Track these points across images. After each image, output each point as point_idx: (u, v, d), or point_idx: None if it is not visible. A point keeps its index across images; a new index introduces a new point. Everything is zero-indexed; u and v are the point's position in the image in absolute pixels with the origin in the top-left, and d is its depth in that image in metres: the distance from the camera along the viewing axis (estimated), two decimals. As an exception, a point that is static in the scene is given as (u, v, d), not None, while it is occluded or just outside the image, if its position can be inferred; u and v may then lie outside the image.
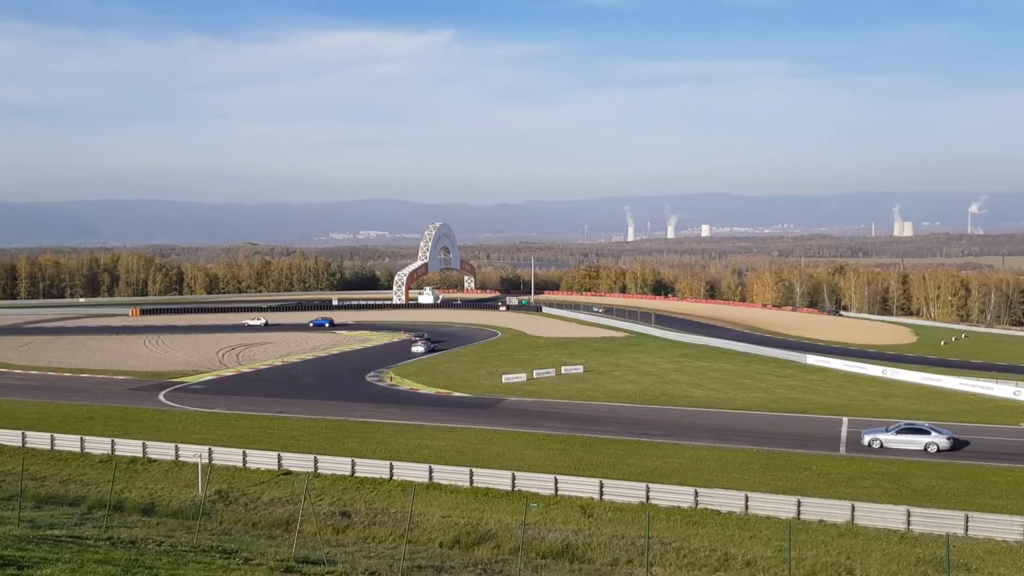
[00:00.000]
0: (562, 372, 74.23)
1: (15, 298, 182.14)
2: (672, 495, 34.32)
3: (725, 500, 33.52)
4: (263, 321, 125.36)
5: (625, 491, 34.90)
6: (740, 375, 75.03)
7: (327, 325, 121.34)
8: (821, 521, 31.53)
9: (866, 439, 46.36)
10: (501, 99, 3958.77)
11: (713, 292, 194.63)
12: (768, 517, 32.09)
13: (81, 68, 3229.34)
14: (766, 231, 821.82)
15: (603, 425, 51.32)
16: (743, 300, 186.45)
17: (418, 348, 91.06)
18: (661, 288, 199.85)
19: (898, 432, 46.02)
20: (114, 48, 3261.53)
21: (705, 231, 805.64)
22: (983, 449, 45.40)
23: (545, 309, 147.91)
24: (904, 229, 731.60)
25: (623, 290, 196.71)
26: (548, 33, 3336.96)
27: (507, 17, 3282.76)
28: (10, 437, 44.54)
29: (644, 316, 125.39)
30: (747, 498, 33.18)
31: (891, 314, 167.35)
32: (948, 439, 45.38)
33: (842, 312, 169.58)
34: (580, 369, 75.67)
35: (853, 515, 31.52)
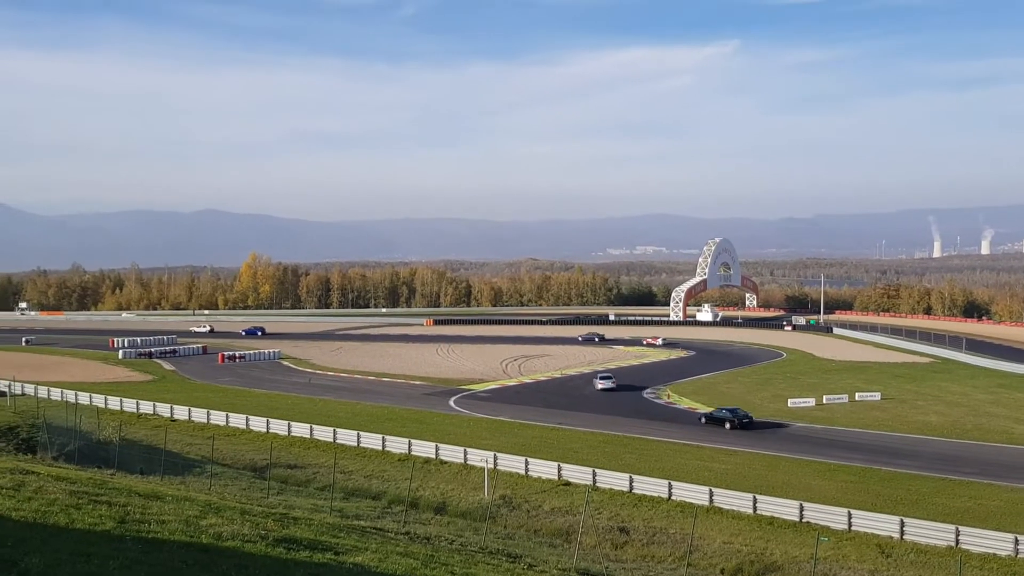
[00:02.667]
0: (856, 399, 68.76)
1: (328, 307, 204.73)
2: (987, 540, 30.56)
3: (1056, 552, 29.10)
4: (208, 328, 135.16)
5: (930, 532, 31.61)
6: (1075, 412, 64.79)
7: (259, 334, 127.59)
8: None
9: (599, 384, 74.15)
10: (788, 108, 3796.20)
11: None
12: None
13: (385, 98, 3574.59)
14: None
15: (904, 459, 46.67)
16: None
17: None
18: (973, 310, 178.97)
19: (597, 377, 75.54)
20: (413, 78, 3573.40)
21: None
22: None
23: (836, 330, 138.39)
24: None
25: (927, 311, 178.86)
26: (842, 36, 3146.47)
27: (798, 21, 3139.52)
28: (324, 433, 49.77)
29: (953, 340, 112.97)
30: (1084, 553, 28.55)
31: None
32: (612, 381, 73.47)
33: None
34: (877, 396, 69.63)
35: None
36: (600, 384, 73.99)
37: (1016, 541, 29.90)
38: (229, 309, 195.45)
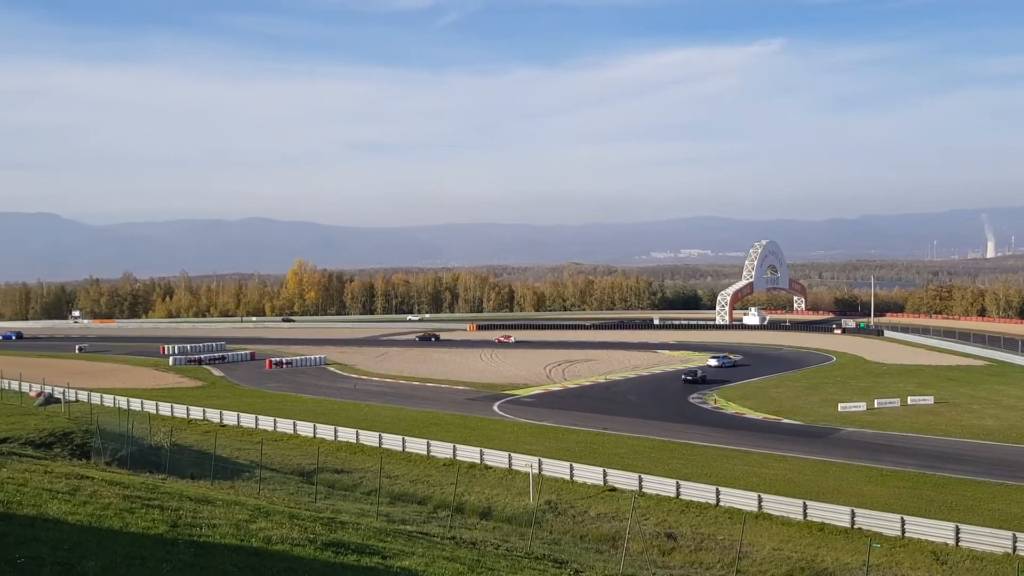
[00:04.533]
0: (908, 403, 67.32)
1: (372, 313, 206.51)
2: (1046, 548, 29.59)
3: (1122, 561, 28.11)
4: (15, 335, 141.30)
5: (986, 538, 30.85)
6: None
7: (13, 338, 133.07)
8: None
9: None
10: (833, 108, 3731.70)
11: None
12: None
13: (428, 105, 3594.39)
14: None
15: (958, 464, 45.54)
16: None
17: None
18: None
19: (711, 356, 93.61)
20: (456, 84, 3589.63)
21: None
22: None
23: (887, 333, 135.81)
24: None
25: (981, 313, 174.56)
26: (887, 34, 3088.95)
27: (842, 20, 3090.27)
28: (370, 438, 50.13)
29: (1008, 342, 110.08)
30: None
31: None
32: (718, 359, 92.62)
33: None
34: (930, 400, 68.11)
35: None
36: (711, 361, 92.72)
37: (1077, 549, 29.04)
38: (275, 315, 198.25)
